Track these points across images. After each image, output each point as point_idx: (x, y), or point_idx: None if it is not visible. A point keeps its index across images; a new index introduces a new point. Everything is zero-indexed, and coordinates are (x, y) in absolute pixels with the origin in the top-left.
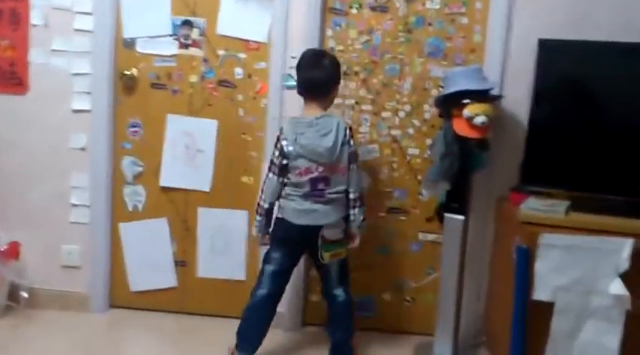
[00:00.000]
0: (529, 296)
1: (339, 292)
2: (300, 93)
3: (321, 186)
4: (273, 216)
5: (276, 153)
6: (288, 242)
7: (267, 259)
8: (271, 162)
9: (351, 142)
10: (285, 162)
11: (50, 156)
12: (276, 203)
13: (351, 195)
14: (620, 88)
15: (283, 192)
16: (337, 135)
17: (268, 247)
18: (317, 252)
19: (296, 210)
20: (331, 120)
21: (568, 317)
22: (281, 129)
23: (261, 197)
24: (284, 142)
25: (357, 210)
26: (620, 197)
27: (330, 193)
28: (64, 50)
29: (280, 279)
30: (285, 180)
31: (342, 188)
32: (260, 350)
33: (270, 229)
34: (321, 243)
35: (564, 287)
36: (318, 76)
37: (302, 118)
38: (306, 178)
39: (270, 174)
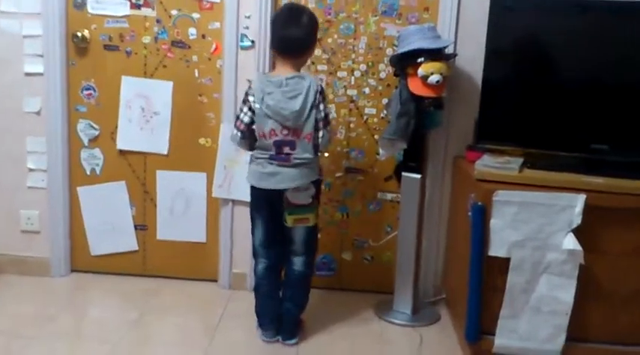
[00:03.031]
0: (485, 253)
1: (297, 260)
2: (273, 50)
3: (286, 150)
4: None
5: (245, 109)
6: (261, 207)
7: (252, 232)
8: (237, 117)
9: (321, 106)
10: (252, 118)
11: (4, 120)
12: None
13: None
14: (573, 44)
15: (251, 156)
16: (306, 99)
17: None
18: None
19: (259, 173)
20: (302, 82)
21: (523, 273)
22: (250, 85)
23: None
24: (251, 98)
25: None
26: (573, 154)
27: (296, 158)
28: (14, 11)
29: (272, 248)
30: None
31: (308, 155)
32: None
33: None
34: (285, 206)
35: (519, 243)
36: (294, 34)
37: (272, 77)
38: (270, 141)
39: (235, 130)
